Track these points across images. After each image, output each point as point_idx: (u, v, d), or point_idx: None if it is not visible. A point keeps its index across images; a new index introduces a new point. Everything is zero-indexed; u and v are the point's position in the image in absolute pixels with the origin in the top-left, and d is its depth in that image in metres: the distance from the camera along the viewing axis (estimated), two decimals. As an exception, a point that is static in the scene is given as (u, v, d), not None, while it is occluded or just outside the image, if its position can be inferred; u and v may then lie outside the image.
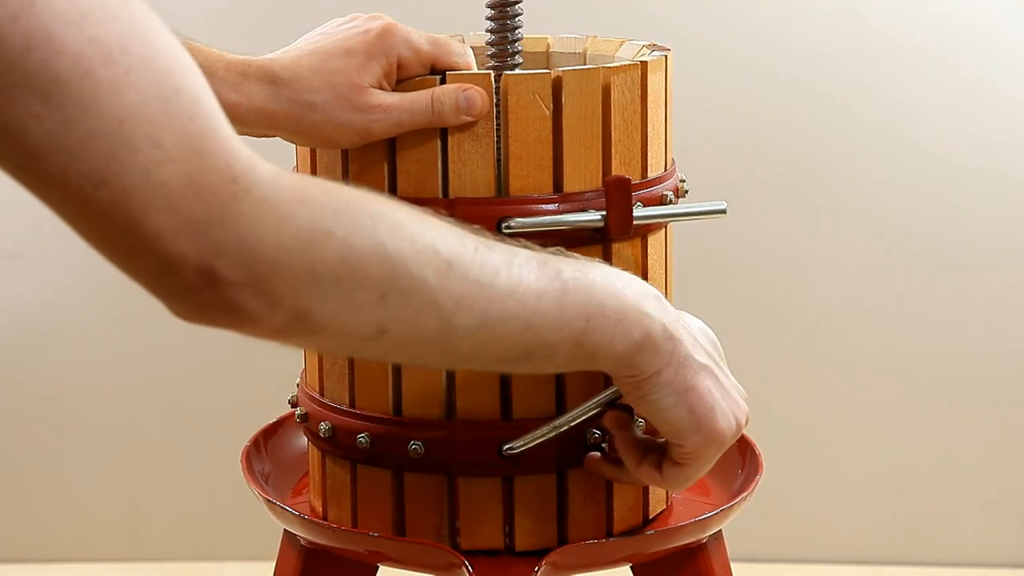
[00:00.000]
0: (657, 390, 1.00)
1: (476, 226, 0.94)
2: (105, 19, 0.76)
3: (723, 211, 1.13)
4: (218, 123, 0.80)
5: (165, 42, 0.79)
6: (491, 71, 1.13)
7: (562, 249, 1.00)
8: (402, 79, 1.09)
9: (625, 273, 1.00)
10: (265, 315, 0.82)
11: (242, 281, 0.81)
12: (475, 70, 1.12)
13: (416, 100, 1.07)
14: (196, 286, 0.80)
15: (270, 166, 0.82)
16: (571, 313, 0.95)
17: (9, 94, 0.74)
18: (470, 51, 1.12)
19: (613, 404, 1.08)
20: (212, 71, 1.06)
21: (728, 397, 1.03)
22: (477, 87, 1.06)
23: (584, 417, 1.09)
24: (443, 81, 1.08)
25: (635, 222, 1.09)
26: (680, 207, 1.13)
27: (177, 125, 0.78)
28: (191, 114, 0.78)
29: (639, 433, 1.09)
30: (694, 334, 1.02)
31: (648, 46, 1.17)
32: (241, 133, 0.96)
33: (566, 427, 1.09)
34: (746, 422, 1.04)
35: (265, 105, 1.08)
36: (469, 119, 1.06)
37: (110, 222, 0.77)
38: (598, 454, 1.10)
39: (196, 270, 0.79)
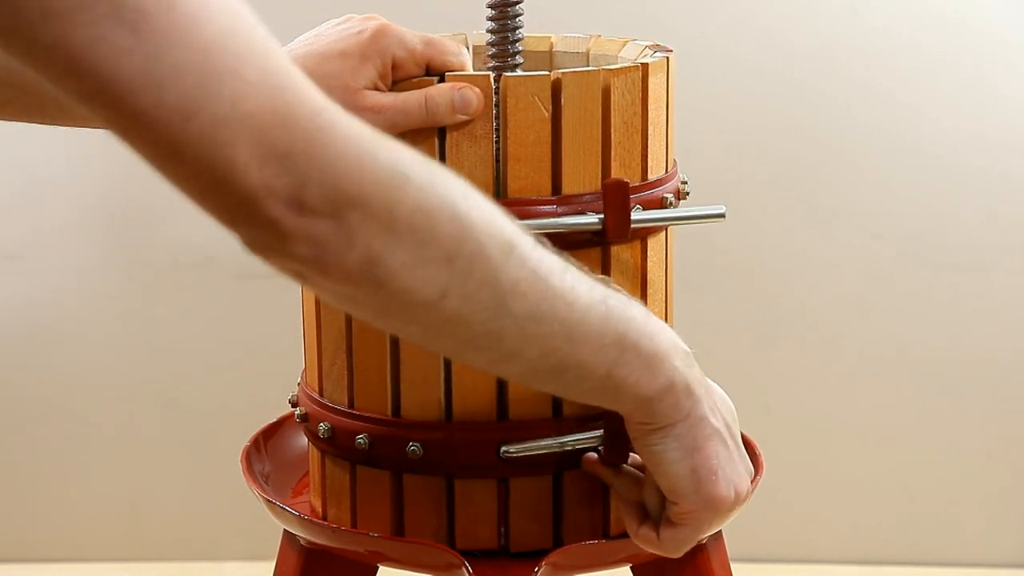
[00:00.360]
0: (666, 442, 1.00)
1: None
2: None
3: (722, 215, 1.13)
4: (290, 65, 0.81)
5: None
6: (490, 71, 1.13)
7: (607, 279, 1.00)
8: (398, 80, 1.09)
9: (660, 321, 1.00)
10: (341, 252, 0.83)
11: (325, 211, 0.81)
12: (470, 70, 1.11)
13: (410, 100, 1.07)
14: (280, 217, 0.81)
15: (342, 110, 0.83)
16: (610, 338, 0.95)
17: (100, 28, 0.75)
18: (465, 51, 1.12)
19: (614, 418, 1.08)
20: None
21: (733, 466, 1.02)
22: (472, 86, 1.06)
23: (587, 443, 1.09)
24: (441, 81, 1.07)
25: (633, 225, 1.08)
26: (678, 211, 1.13)
27: (258, 58, 0.79)
28: (267, 50, 0.80)
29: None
30: (715, 399, 1.02)
31: (651, 47, 1.16)
32: None
33: (570, 448, 1.09)
34: (746, 497, 1.04)
35: None
36: (464, 118, 1.06)
37: (199, 156, 0.78)
38: (594, 455, 1.10)
39: (282, 200, 0.80)
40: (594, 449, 1.10)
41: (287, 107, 0.80)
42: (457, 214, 0.87)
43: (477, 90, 1.06)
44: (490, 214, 0.89)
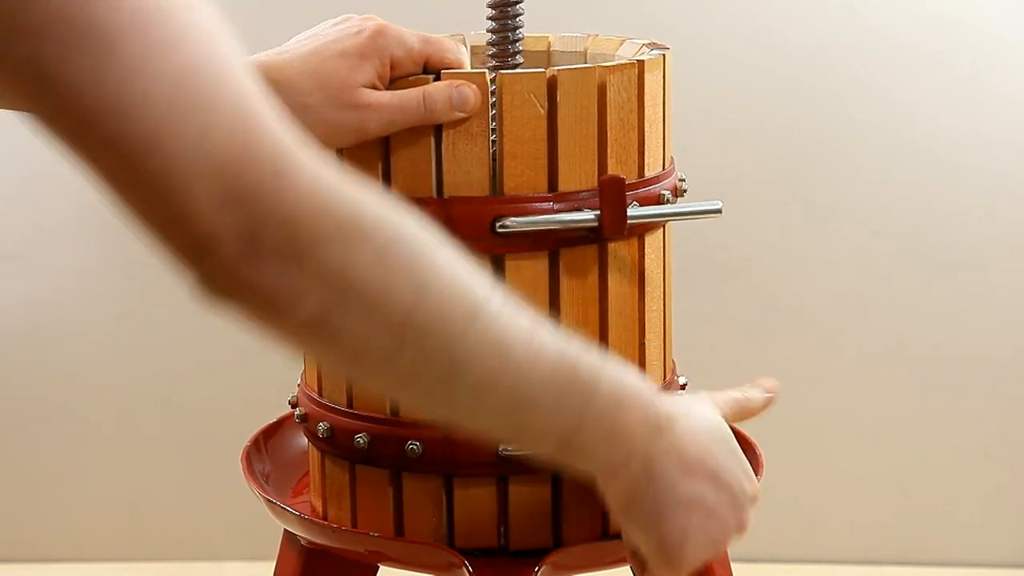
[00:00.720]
0: (628, 520, 0.99)
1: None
2: None
3: (718, 211, 1.13)
4: (262, 104, 0.80)
5: (212, 14, 0.79)
6: (488, 70, 1.13)
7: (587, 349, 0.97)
8: (396, 79, 1.09)
9: (636, 388, 0.96)
10: (291, 305, 0.81)
11: (278, 262, 0.80)
12: (468, 68, 1.12)
13: (408, 97, 1.06)
14: (232, 264, 0.79)
15: (312, 153, 0.81)
16: (570, 409, 0.93)
17: (71, 50, 0.74)
18: (464, 49, 1.12)
19: None
20: None
21: (713, 523, 1.00)
22: (469, 83, 1.06)
23: None
24: (438, 80, 1.08)
25: (629, 221, 1.08)
26: (675, 207, 1.12)
27: (228, 94, 0.78)
28: (239, 86, 0.78)
29: None
30: (692, 457, 0.99)
31: (648, 45, 1.16)
32: None
33: None
34: (741, 533, 1.02)
35: None
36: (462, 115, 1.06)
37: (157, 191, 0.77)
38: None
39: (236, 245, 0.79)
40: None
41: (250, 150, 0.78)
42: (416, 278, 0.85)
43: (474, 87, 1.06)
44: (456, 277, 0.87)
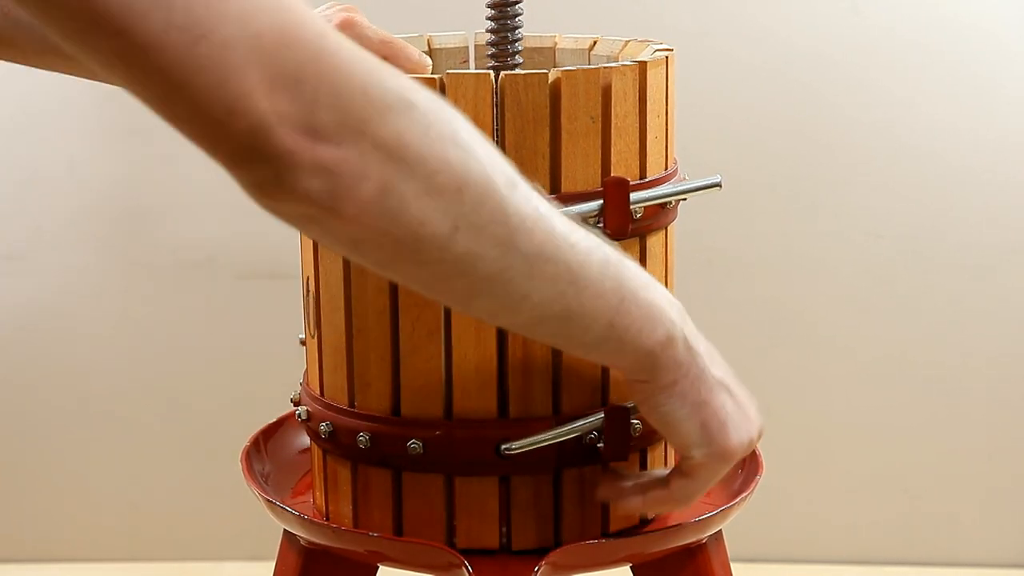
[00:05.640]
0: (671, 402, 0.99)
1: None
2: None
3: (718, 184, 1.13)
4: None
5: None
6: (489, 71, 1.13)
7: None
8: None
9: (651, 276, 0.99)
10: (355, 182, 0.80)
11: (337, 138, 0.79)
12: (428, 73, 1.10)
13: None
14: (291, 147, 0.78)
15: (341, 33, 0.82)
16: (609, 284, 0.93)
17: None
18: (427, 57, 1.11)
19: (615, 411, 1.08)
20: None
21: (742, 412, 1.02)
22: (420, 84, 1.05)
23: (586, 427, 1.09)
24: (443, 83, 1.07)
25: (631, 206, 1.08)
26: (675, 186, 1.13)
27: None
28: None
29: (634, 432, 1.09)
30: (712, 350, 1.02)
31: (653, 44, 1.17)
32: None
33: (567, 437, 1.09)
34: (759, 437, 1.04)
35: None
36: None
37: (208, 83, 0.76)
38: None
39: (293, 127, 0.78)
40: (594, 439, 1.10)
41: (294, 28, 0.78)
42: (462, 144, 0.85)
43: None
44: (491, 148, 0.87)
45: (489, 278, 0.88)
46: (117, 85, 0.80)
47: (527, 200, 0.88)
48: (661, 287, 0.98)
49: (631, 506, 1.09)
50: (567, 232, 0.91)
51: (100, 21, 0.75)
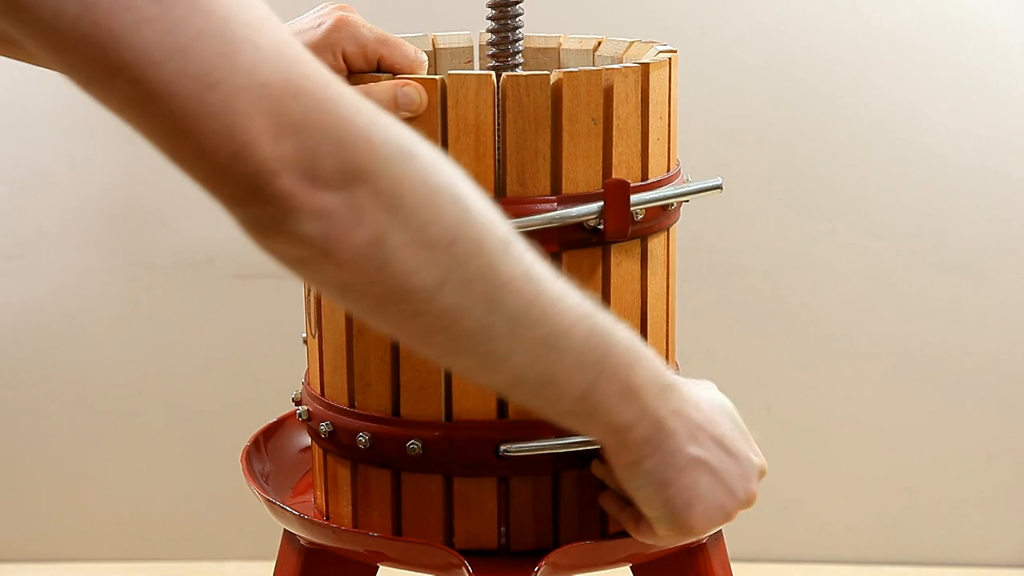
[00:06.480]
0: (635, 478, 1.00)
1: None
2: None
3: (719, 187, 1.13)
4: (295, 41, 0.82)
5: None
6: (491, 71, 1.13)
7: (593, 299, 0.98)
8: (354, 74, 1.08)
9: (643, 349, 0.98)
10: (349, 229, 0.82)
11: (336, 185, 0.81)
12: (423, 73, 1.10)
13: None
14: (292, 191, 0.80)
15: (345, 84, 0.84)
16: (591, 357, 0.94)
17: (120, 3, 0.76)
18: (423, 55, 1.12)
19: None
20: None
21: (721, 488, 1.01)
22: (415, 83, 1.06)
23: (587, 444, 1.09)
24: (444, 84, 1.07)
25: (632, 208, 1.08)
26: (677, 188, 1.13)
27: (268, 30, 0.80)
28: (274, 23, 0.81)
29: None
30: (698, 421, 1.01)
31: (657, 46, 1.16)
32: None
33: (570, 449, 1.09)
34: (748, 503, 1.03)
35: None
36: (407, 115, 1.06)
37: (216, 129, 0.78)
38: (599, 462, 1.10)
39: (295, 172, 0.80)
40: (594, 451, 1.10)
41: (300, 78, 0.80)
42: (460, 197, 0.86)
43: (420, 88, 1.05)
44: (487, 206, 0.89)
45: (470, 335, 0.90)
46: (127, 125, 0.81)
47: (519, 260, 0.89)
48: (648, 363, 0.97)
49: (625, 527, 1.09)
50: (557, 297, 0.91)
51: (117, 69, 0.77)
